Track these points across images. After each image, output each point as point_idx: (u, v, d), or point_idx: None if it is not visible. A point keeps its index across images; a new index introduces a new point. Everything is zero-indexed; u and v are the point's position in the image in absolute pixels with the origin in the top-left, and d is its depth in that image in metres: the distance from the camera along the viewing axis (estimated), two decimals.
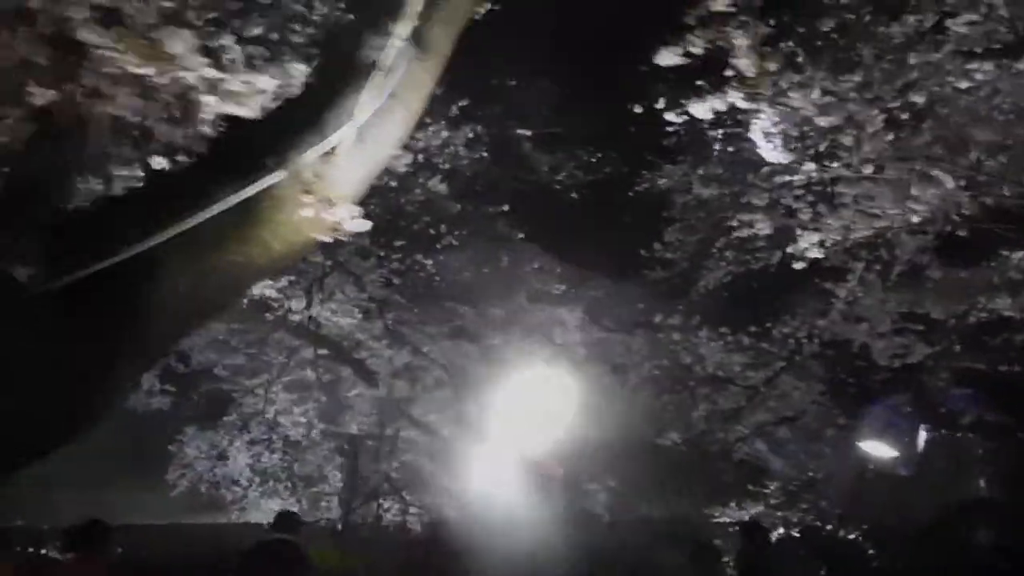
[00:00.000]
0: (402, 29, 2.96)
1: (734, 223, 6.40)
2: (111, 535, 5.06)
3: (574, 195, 8.03)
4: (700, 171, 7.95)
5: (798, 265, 6.07)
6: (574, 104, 7.32)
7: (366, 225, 2.87)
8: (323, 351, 8.96)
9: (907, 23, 6.17)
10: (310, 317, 7.90)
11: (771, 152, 5.16)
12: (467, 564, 8.95)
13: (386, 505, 10.36)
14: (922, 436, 8.41)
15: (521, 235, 8.18)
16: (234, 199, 2.68)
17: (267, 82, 2.59)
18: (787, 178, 5.79)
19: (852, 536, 8.94)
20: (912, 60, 6.00)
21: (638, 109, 7.16)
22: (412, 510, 10.14)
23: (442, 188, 7.89)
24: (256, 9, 3.42)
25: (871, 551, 8.93)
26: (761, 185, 6.99)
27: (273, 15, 3.48)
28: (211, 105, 2.65)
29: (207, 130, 2.80)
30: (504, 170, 7.98)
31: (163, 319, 2.75)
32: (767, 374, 8.37)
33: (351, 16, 3.12)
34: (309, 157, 2.83)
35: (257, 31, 3.48)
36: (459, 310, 8.28)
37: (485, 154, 7.84)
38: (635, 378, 8.36)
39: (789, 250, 6.05)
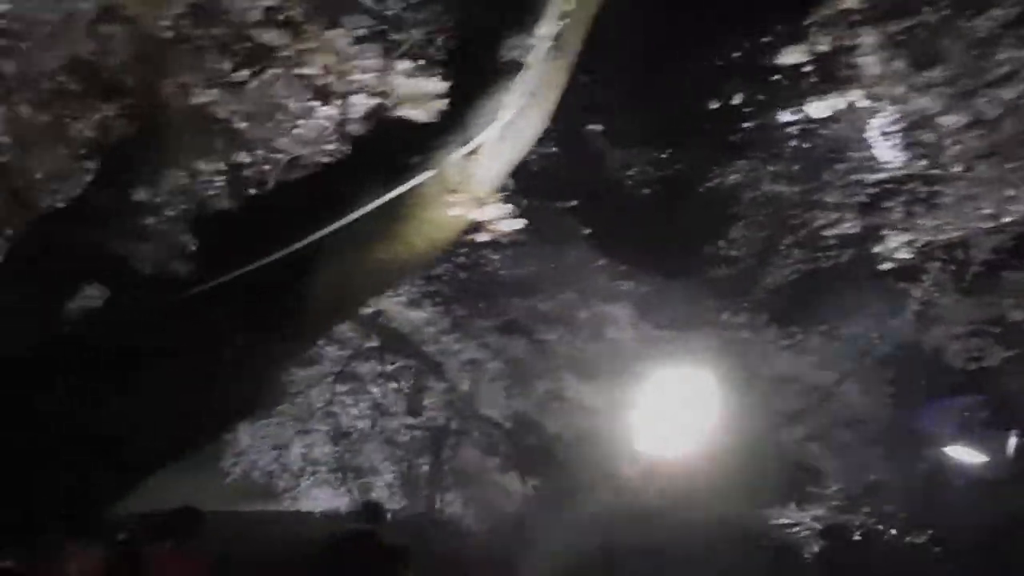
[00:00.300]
0: (546, 29, 2.94)
1: (820, 221, 6.30)
2: (203, 523, 5.06)
3: (645, 191, 7.95)
4: (771, 167, 7.83)
5: (885, 266, 5.96)
6: (648, 99, 7.24)
7: (519, 223, 2.86)
8: (386, 343, 9.01)
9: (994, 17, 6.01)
10: (378, 310, 7.94)
11: (881, 151, 5.07)
12: (523, 562, 8.98)
13: (445, 499, 10.43)
14: (995, 440, 8.25)
15: (588, 231, 8.12)
16: (384, 200, 2.69)
17: (436, 85, 2.58)
18: (879, 176, 5.67)
19: (918, 541, 8.80)
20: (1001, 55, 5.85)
21: (714, 105, 7.09)
22: (470, 505, 10.20)
23: (509, 183, 7.83)
24: (407, 15, 3.41)
25: (937, 557, 8.79)
26: (842, 183, 6.88)
27: (423, 19, 3.47)
28: (370, 106, 2.65)
29: (355, 130, 2.80)
30: (574, 165, 7.92)
31: (310, 315, 2.78)
32: (835, 375, 8.25)
33: (497, 18, 3.10)
34: (455, 156, 2.83)
35: (412, 35, 3.48)
36: (524, 305, 8.26)
37: (555, 149, 7.77)
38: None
39: (876, 250, 5.94)
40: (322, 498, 12.21)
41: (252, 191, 2.94)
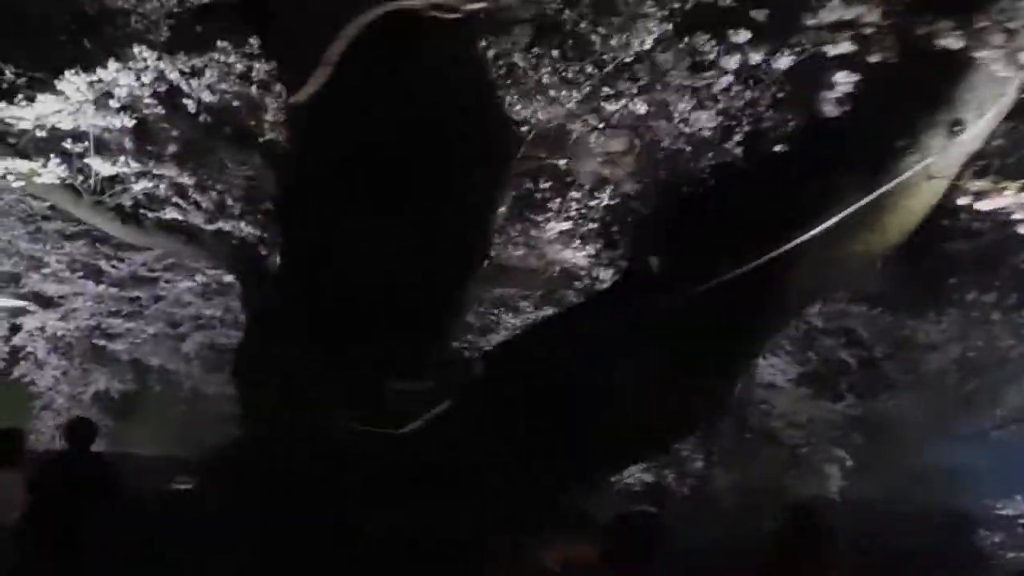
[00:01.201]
0: None
1: None
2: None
3: None
4: None
5: None
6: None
7: None
8: None
9: None
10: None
11: None
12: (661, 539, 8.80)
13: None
14: None
15: None
16: (875, 193, 2.48)
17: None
18: None
19: None
20: None
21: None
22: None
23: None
24: None
25: None
26: None
27: None
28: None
29: (835, 112, 2.58)
30: None
31: (783, 310, 2.63)
32: None
33: None
34: (944, 139, 2.58)
35: None
36: None
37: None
38: (942, 359, 7.77)
39: None
40: None
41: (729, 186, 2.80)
